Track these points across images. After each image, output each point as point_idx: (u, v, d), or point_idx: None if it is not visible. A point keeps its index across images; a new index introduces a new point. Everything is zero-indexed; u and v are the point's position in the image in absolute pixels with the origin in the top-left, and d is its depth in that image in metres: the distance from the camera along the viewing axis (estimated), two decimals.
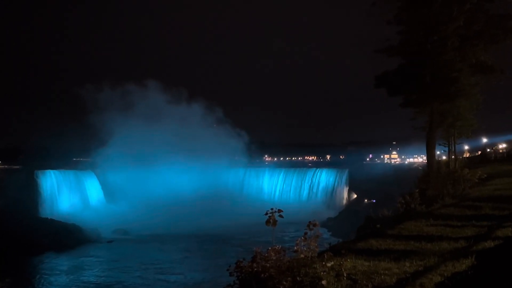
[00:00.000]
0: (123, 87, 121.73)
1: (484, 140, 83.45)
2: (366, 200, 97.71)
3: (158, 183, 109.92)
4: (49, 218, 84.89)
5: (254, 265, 9.94)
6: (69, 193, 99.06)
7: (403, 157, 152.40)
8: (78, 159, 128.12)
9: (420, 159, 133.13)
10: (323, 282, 9.82)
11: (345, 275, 10.63)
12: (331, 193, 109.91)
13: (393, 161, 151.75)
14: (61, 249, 73.62)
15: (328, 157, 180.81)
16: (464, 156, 69.69)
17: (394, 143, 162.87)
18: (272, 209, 10.76)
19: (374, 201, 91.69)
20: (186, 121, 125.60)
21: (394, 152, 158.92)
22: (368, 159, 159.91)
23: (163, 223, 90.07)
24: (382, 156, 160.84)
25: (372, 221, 26.20)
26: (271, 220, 10.63)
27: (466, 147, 78.06)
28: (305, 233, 10.76)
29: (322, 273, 10.05)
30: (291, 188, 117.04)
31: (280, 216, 10.66)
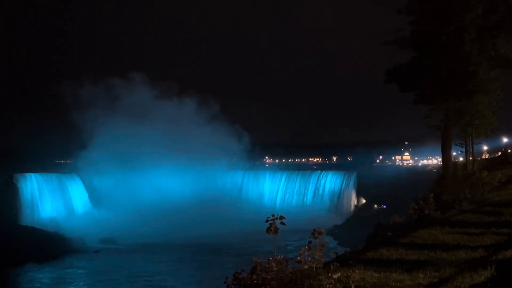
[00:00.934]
0: (105, 82, 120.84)
1: (505, 140, 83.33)
2: (375, 206, 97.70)
3: (148, 187, 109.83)
4: (29, 226, 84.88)
5: (254, 276, 9.93)
6: (52, 199, 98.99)
7: (416, 158, 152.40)
8: (61, 161, 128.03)
9: (434, 160, 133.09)
10: None
11: (353, 287, 10.62)
12: (338, 198, 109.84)
13: (405, 163, 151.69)
14: (42, 260, 73.59)
15: (335, 158, 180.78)
16: (483, 157, 69.60)
17: (406, 143, 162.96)
18: (273, 215, 10.76)
19: (384, 206, 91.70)
20: (178, 119, 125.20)
21: (406, 153, 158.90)
22: (378, 160, 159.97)
23: (154, 231, 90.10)
24: (393, 158, 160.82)
25: (383, 229, 26.17)
26: (272, 228, 10.62)
27: (485, 148, 77.97)
28: (310, 242, 10.75)
29: (328, 285, 10.04)
30: (294, 192, 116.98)
31: (282, 223, 10.66)
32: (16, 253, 72.74)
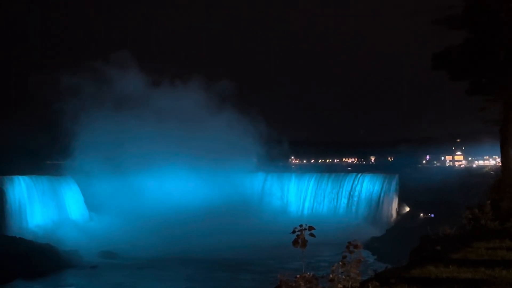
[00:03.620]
0: (88, 67, 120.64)
1: None
2: (421, 215, 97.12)
3: (154, 192, 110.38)
4: (17, 236, 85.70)
5: None
6: (43, 205, 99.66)
7: (470, 158, 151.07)
8: (53, 161, 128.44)
9: (492, 161, 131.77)
10: None
11: None
12: (376, 205, 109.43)
13: (457, 163, 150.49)
14: (32, 276, 74.29)
15: (373, 159, 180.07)
16: None
17: (458, 141, 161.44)
18: (300, 225, 10.74)
19: (432, 215, 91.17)
20: (188, 112, 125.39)
21: (458, 153, 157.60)
22: (424, 161, 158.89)
23: (161, 243, 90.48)
24: (442, 158, 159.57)
25: (430, 242, 25.98)
26: (299, 240, 10.60)
27: None
28: (344, 257, 10.72)
29: None
30: (325, 198, 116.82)
31: (311, 235, 10.64)
32: (1, 267, 73.33)
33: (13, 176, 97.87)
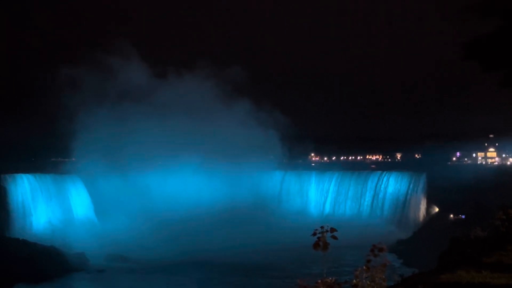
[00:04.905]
0: (94, 58, 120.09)
1: None
2: (451, 216, 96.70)
3: (165, 191, 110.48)
4: (20, 238, 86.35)
5: None
6: (47, 205, 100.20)
7: (504, 155, 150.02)
8: (58, 159, 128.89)
9: None
10: None
11: None
12: (403, 205, 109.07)
13: (489, 161, 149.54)
14: (36, 280, 74.73)
15: (399, 156, 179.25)
16: None
17: (491, 136, 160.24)
18: (322, 227, 10.74)
19: (463, 216, 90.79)
20: (198, 105, 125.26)
21: (491, 149, 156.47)
22: (454, 158, 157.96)
23: (172, 246, 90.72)
24: (474, 155, 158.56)
25: (461, 245, 25.96)
26: (320, 243, 10.61)
27: None
28: (368, 261, 10.71)
29: None
30: (348, 198, 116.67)
31: (333, 237, 10.64)
32: (4, 271, 73.76)
33: (15, 174, 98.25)
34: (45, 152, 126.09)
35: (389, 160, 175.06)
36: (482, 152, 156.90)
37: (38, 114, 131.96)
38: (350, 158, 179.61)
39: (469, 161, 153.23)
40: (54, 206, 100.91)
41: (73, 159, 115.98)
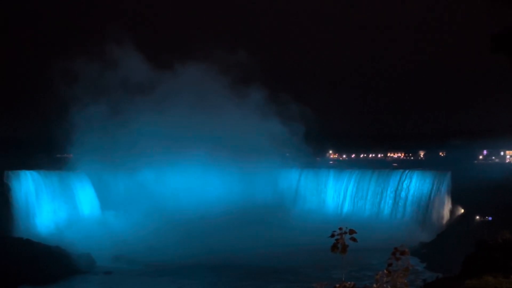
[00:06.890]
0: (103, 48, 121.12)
1: None
2: (477, 218, 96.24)
3: (174, 189, 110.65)
4: (24, 238, 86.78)
5: None
6: (52, 203, 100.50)
7: None
8: (64, 155, 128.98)
9: None
10: None
11: None
12: (426, 206, 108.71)
13: None
14: (39, 281, 75.07)
15: (422, 153, 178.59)
16: None
17: None
18: (340, 228, 10.73)
19: (490, 218, 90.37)
20: (210, 99, 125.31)
21: None
22: (481, 157, 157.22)
23: (183, 247, 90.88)
24: (502, 153, 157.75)
25: (487, 248, 25.84)
26: (339, 245, 10.60)
27: None
28: (389, 265, 10.69)
29: None
30: (367, 198, 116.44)
31: (353, 239, 10.62)
32: (7, 272, 74.22)
33: (19, 171, 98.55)
34: (49, 148, 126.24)
35: (412, 158, 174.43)
36: (511, 150, 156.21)
37: (43, 109, 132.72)
38: (370, 155, 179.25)
39: (496, 160, 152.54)
40: (59, 204, 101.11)
41: (79, 155, 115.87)
